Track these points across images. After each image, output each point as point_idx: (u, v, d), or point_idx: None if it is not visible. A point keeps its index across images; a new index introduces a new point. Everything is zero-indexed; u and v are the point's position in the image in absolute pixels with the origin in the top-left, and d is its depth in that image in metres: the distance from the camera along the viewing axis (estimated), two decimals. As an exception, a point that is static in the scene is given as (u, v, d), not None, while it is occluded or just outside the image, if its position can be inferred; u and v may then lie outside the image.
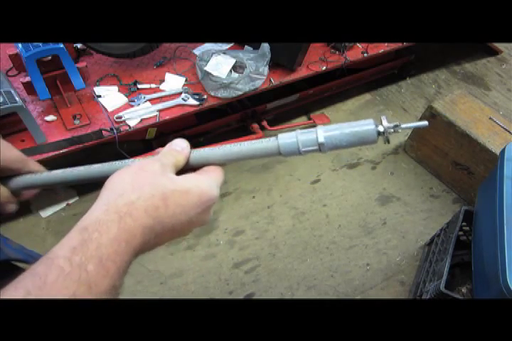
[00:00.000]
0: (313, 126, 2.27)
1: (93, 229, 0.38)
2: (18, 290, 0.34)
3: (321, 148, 0.46)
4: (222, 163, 0.50)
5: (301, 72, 1.92)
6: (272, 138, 0.47)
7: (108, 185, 0.43)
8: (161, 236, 0.42)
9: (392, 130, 0.45)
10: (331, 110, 2.38)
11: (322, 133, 0.45)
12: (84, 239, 0.37)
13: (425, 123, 0.46)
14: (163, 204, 0.41)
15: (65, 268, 0.35)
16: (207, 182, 0.46)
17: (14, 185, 0.54)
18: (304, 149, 0.46)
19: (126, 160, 0.53)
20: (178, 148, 0.48)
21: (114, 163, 0.53)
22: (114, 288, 0.36)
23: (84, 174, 0.54)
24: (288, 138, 0.47)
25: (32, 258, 0.56)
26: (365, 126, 0.45)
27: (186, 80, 1.84)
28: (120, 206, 0.40)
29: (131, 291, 1.65)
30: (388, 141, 0.46)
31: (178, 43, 1.93)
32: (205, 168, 0.49)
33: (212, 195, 0.45)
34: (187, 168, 0.50)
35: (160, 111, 1.72)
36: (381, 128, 0.45)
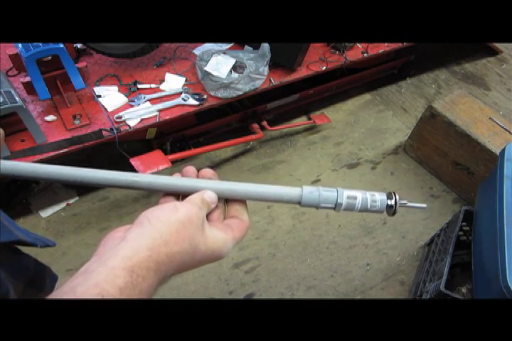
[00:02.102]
0: (314, 126, 2.27)
1: (138, 274, 0.39)
2: None
3: (336, 207, 0.51)
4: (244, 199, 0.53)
5: (301, 72, 1.92)
6: (297, 189, 0.52)
7: (154, 221, 0.44)
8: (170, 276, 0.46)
9: (398, 206, 0.52)
10: (331, 110, 2.38)
11: (344, 195, 0.51)
12: (132, 281, 0.38)
13: (423, 205, 0.55)
14: (189, 261, 0.45)
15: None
16: (229, 245, 0.49)
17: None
18: (322, 205, 0.52)
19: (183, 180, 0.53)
20: (211, 200, 0.51)
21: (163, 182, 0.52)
22: None
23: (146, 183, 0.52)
24: (312, 191, 0.52)
25: (39, 241, 0.56)
26: (379, 196, 0.52)
27: (186, 80, 1.84)
28: (162, 255, 0.42)
29: (131, 291, 1.65)
30: (394, 214, 0.53)
31: (178, 43, 1.93)
32: (233, 223, 0.51)
33: (225, 255, 0.49)
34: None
35: (160, 111, 1.72)
36: (391, 202, 0.52)
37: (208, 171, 0.54)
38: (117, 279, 0.38)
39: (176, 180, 0.52)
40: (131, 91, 1.77)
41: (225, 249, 0.48)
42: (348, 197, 0.51)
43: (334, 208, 0.52)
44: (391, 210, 0.52)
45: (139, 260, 0.40)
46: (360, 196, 0.52)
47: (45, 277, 0.60)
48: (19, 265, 0.53)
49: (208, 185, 0.52)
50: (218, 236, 0.48)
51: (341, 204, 0.51)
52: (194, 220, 0.45)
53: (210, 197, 0.51)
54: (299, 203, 0.53)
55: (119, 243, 0.42)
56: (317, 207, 0.52)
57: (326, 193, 0.52)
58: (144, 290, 0.39)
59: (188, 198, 0.49)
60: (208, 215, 0.49)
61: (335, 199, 0.51)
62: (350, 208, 0.52)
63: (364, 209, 0.52)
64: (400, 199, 0.53)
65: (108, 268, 0.39)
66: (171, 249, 0.42)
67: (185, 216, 0.45)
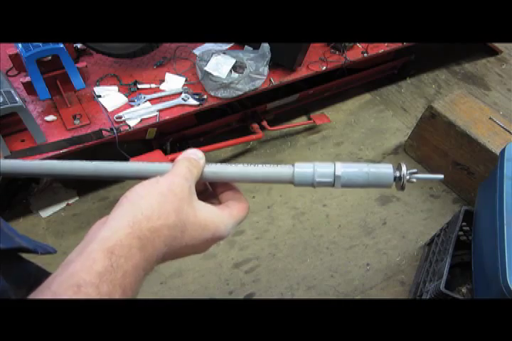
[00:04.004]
0: (314, 126, 2.27)
1: (119, 254, 0.36)
2: None
3: (335, 181, 0.45)
4: (233, 182, 0.49)
5: (301, 72, 1.92)
6: (289, 165, 0.47)
7: (132, 198, 0.41)
8: (167, 258, 0.42)
9: (408, 177, 0.45)
10: (331, 110, 2.38)
11: (341, 167, 0.45)
12: (111, 264, 0.35)
13: (441, 176, 0.47)
14: (180, 235, 0.41)
15: (93, 297, 0.34)
16: (226, 221, 0.45)
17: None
18: (318, 179, 0.46)
19: (155, 164, 0.49)
20: (195, 157, 0.46)
21: (143, 164, 0.49)
22: None
23: (104, 170, 0.51)
24: (305, 167, 0.46)
25: (40, 248, 0.55)
26: (384, 168, 0.46)
27: (186, 80, 1.84)
28: (144, 231, 0.38)
29: (131, 291, 1.65)
30: (403, 188, 0.46)
31: (178, 43, 1.93)
32: (231, 203, 0.48)
33: (225, 234, 0.45)
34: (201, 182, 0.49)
35: (160, 111, 1.72)
36: (398, 174, 0.45)
37: (196, 150, 0.48)
38: (95, 264, 0.35)
39: (150, 164, 0.49)
40: (131, 91, 1.77)
41: (221, 225, 0.44)
42: (347, 170, 0.45)
43: (333, 184, 0.46)
44: (399, 183, 0.46)
45: (119, 238, 0.37)
46: (361, 168, 0.46)
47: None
48: (21, 271, 0.53)
49: None
50: (211, 209, 0.45)
51: (339, 177, 0.45)
52: (177, 191, 0.42)
53: (193, 152, 0.46)
54: (293, 183, 0.47)
55: (99, 226, 0.40)
56: (313, 184, 0.46)
57: (321, 168, 0.46)
58: (129, 271, 0.36)
59: (171, 168, 0.45)
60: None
61: (332, 172, 0.45)
62: (351, 183, 0.46)
63: (368, 184, 0.46)
64: (409, 170, 0.46)
65: (85, 254, 0.36)
66: (155, 223, 0.39)
67: (167, 187, 0.41)
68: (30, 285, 0.53)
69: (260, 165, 0.48)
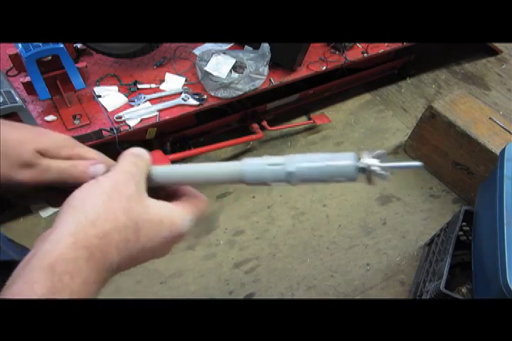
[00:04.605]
0: (314, 126, 2.27)
1: (62, 271, 0.31)
2: None
3: (291, 180, 0.39)
4: (183, 184, 0.46)
5: (301, 72, 1.92)
6: (236, 163, 0.42)
7: (74, 202, 0.36)
8: (123, 267, 0.38)
9: (376, 168, 0.37)
10: (331, 110, 2.38)
11: (296, 162, 0.39)
12: (53, 285, 0.31)
13: (418, 163, 0.39)
14: (134, 237, 0.36)
15: None
16: (180, 215, 0.40)
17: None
18: (269, 177, 0.40)
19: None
20: (139, 151, 0.42)
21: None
22: None
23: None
24: (253, 163, 0.41)
25: None
26: (343, 160, 0.38)
27: (186, 80, 1.84)
28: (91, 238, 0.33)
29: (131, 291, 1.65)
30: (372, 182, 0.38)
31: (178, 43, 1.93)
32: (185, 198, 0.43)
33: (183, 229, 0.40)
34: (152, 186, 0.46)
35: (160, 111, 1.72)
36: (362, 164, 0.37)
37: (134, 148, 0.42)
38: (36, 286, 0.30)
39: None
40: (131, 91, 1.77)
41: (177, 220, 0.39)
42: (301, 166, 0.39)
43: (289, 182, 0.39)
44: (367, 176, 0.38)
45: (60, 251, 0.32)
46: (319, 160, 0.39)
47: None
48: None
49: None
50: (163, 204, 0.40)
51: (293, 173, 0.39)
52: (123, 189, 0.37)
53: (137, 149, 0.42)
54: (244, 181, 0.41)
55: (42, 242, 0.35)
56: (266, 183, 0.41)
57: (271, 167, 0.40)
58: (77, 289, 0.32)
59: (115, 166, 0.41)
60: None
61: (282, 170, 0.39)
62: (308, 178, 0.39)
63: (326, 178, 0.39)
64: (377, 157, 0.37)
65: (25, 276, 0.31)
66: (102, 228, 0.34)
67: (110, 186, 0.37)
68: None
69: (203, 164, 0.43)
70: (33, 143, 0.45)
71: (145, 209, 0.37)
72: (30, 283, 0.31)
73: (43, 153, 0.46)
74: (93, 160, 0.48)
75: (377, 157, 0.38)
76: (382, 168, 0.37)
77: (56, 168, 0.47)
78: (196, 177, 0.43)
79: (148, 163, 0.42)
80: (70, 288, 0.31)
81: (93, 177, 0.47)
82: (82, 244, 0.33)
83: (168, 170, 0.44)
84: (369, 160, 0.37)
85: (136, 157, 0.41)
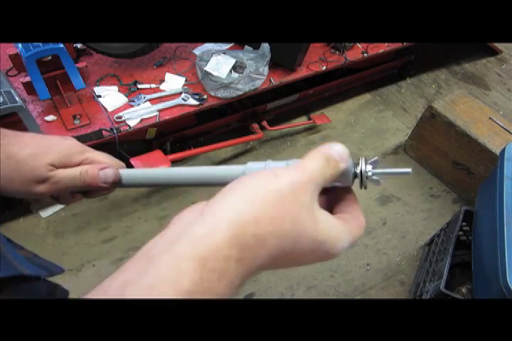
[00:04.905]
0: (314, 126, 2.27)
1: (213, 268, 0.28)
2: None
3: None
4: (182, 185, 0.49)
5: (301, 72, 1.93)
6: (240, 167, 0.42)
7: (241, 190, 0.32)
8: (257, 272, 0.34)
9: (370, 173, 0.39)
10: (331, 110, 2.38)
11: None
12: (202, 282, 0.28)
13: (408, 170, 0.40)
14: (288, 249, 0.32)
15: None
16: (345, 238, 0.35)
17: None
18: None
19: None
20: (338, 157, 0.36)
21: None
22: None
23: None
24: (257, 167, 0.41)
25: (45, 271, 0.52)
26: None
27: (186, 80, 1.84)
28: (248, 237, 0.30)
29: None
30: (365, 187, 0.39)
31: (178, 43, 1.93)
32: (349, 217, 0.38)
33: (339, 254, 0.35)
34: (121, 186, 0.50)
35: (160, 111, 1.72)
36: (358, 170, 0.39)
37: (338, 149, 0.37)
38: (182, 278, 0.28)
39: None
40: (131, 91, 1.77)
41: (339, 243, 0.34)
42: None
43: None
44: (362, 181, 0.39)
45: (216, 243, 0.29)
46: None
47: (56, 295, 0.57)
48: (32, 291, 0.52)
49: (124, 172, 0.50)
50: (334, 222, 0.35)
51: None
52: (299, 193, 0.32)
53: (339, 152, 0.36)
54: None
55: (194, 218, 0.31)
56: None
57: (275, 165, 0.40)
58: (220, 291, 0.29)
59: (300, 162, 0.36)
60: None
61: None
62: None
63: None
64: (370, 164, 0.39)
65: (172, 257, 0.28)
66: (263, 230, 0.30)
67: (288, 186, 0.32)
68: None
69: (206, 168, 0.46)
70: (44, 158, 0.48)
71: (313, 224, 0.33)
72: (177, 271, 0.28)
73: (55, 165, 0.48)
74: (102, 164, 0.50)
75: (371, 164, 0.39)
76: (375, 174, 0.39)
77: (68, 176, 0.49)
78: (194, 180, 0.47)
79: (338, 173, 0.36)
80: (215, 289, 0.29)
81: (104, 182, 0.50)
82: (238, 241, 0.29)
83: (159, 173, 0.49)
84: (364, 167, 0.39)
85: (329, 163, 0.35)
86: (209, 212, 0.31)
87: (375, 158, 0.39)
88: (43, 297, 0.51)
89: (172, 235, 0.31)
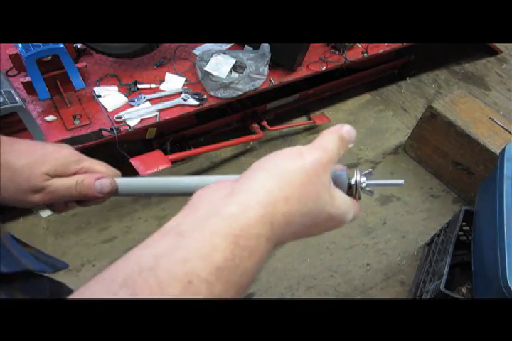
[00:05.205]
0: (314, 126, 2.27)
1: (245, 246, 0.29)
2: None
3: None
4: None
5: (301, 72, 1.92)
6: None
7: (270, 168, 0.33)
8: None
9: (364, 185, 0.41)
10: (331, 110, 2.38)
11: None
12: (233, 258, 0.29)
13: (400, 182, 0.43)
14: (308, 225, 0.35)
15: (202, 297, 0.29)
16: (352, 214, 0.39)
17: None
18: None
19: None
20: (349, 137, 0.39)
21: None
22: None
23: None
24: None
25: (49, 267, 0.52)
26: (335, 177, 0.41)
27: (186, 80, 1.84)
28: (278, 215, 0.31)
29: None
30: (359, 197, 0.42)
31: (178, 43, 1.93)
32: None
33: (344, 224, 0.39)
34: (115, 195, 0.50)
35: (160, 111, 1.72)
36: (352, 181, 0.41)
37: (347, 130, 0.39)
38: (214, 253, 0.28)
39: None
40: (131, 91, 1.77)
41: (348, 216, 0.38)
42: None
43: None
44: (351, 191, 0.41)
45: (248, 222, 0.30)
46: None
47: (60, 294, 0.57)
48: (36, 287, 0.52)
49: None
50: (345, 197, 0.38)
51: None
52: (321, 173, 0.35)
53: (349, 132, 0.38)
54: None
55: (223, 196, 0.32)
56: None
57: None
58: (249, 268, 0.30)
59: (319, 142, 0.37)
60: None
61: None
62: None
63: None
64: (364, 176, 0.41)
65: (205, 234, 0.29)
66: (292, 207, 0.32)
67: (312, 166, 0.34)
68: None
69: (194, 177, 0.48)
70: (40, 167, 0.47)
71: (331, 201, 0.36)
72: (211, 247, 0.29)
73: (50, 174, 0.48)
74: (98, 174, 0.50)
75: (365, 175, 0.41)
76: (369, 185, 0.41)
77: (63, 186, 0.49)
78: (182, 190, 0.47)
79: (347, 148, 0.39)
80: (244, 266, 0.30)
81: (100, 192, 0.49)
82: (269, 219, 0.31)
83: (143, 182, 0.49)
84: (358, 178, 0.41)
85: (343, 143, 0.38)
86: (240, 191, 0.32)
87: (369, 170, 0.42)
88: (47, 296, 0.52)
89: (202, 212, 0.31)
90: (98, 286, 0.29)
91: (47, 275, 0.54)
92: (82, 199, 0.52)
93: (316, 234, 0.39)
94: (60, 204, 0.53)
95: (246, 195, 0.32)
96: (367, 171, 0.41)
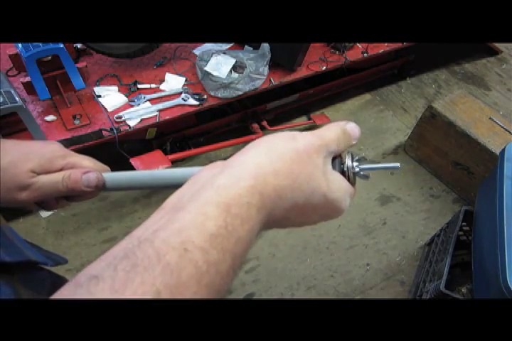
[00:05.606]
0: (314, 126, 2.27)
1: (236, 214, 0.30)
2: (146, 287, 0.28)
3: None
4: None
5: (301, 72, 1.92)
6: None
7: (262, 146, 0.35)
8: (266, 228, 0.36)
9: (357, 169, 0.41)
10: (331, 110, 2.37)
11: None
12: (226, 226, 0.30)
13: (396, 165, 0.42)
14: (302, 204, 0.35)
15: (200, 265, 0.29)
16: (348, 200, 0.39)
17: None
18: None
19: None
20: (353, 133, 0.40)
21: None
22: (226, 291, 0.32)
23: None
24: None
25: (51, 260, 0.52)
26: None
27: (186, 80, 1.84)
28: (268, 187, 0.32)
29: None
30: (353, 184, 0.41)
31: (178, 43, 1.93)
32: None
33: (343, 211, 0.39)
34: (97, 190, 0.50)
35: (160, 111, 1.72)
36: (345, 168, 0.41)
37: (352, 126, 0.40)
38: (207, 222, 0.29)
39: None
40: (131, 91, 1.77)
41: (344, 203, 0.38)
42: None
43: None
44: (350, 177, 0.41)
45: (238, 191, 0.31)
46: None
47: (61, 286, 0.57)
48: (37, 279, 0.52)
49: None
50: (342, 183, 0.39)
51: None
52: (313, 155, 0.36)
53: (353, 129, 0.39)
54: None
55: (217, 172, 0.33)
56: None
57: None
58: (243, 237, 0.30)
59: (318, 130, 0.38)
60: None
61: None
62: None
63: None
64: (356, 161, 0.41)
65: (199, 205, 0.30)
66: (281, 182, 0.33)
67: (303, 147, 0.36)
68: (48, 291, 0.52)
69: (175, 170, 0.48)
70: (25, 165, 0.47)
71: (326, 183, 0.36)
72: (204, 216, 0.30)
73: (36, 171, 0.48)
74: (85, 168, 0.50)
75: (357, 160, 0.41)
76: (363, 170, 0.41)
77: (50, 182, 0.49)
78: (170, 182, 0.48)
79: (348, 146, 0.40)
80: (238, 233, 0.30)
81: (87, 186, 0.49)
82: (259, 190, 0.32)
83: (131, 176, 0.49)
84: (350, 163, 0.40)
85: (345, 135, 0.39)
86: (232, 165, 0.34)
87: (361, 155, 0.42)
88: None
89: (197, 187, 0.33)
90: (101, 264, 0.31)
91: (47, 268, 0.54)
92: (70, 195, 0.52)
93: (312, 222, 0.39)
94: (50, 201, 0.53)
95: (237, 168, 0.33)
96: (359, 156, 0.41)
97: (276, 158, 0.34)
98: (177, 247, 0.29)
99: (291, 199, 0.34)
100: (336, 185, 0.38)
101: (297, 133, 0.37)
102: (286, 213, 0.35)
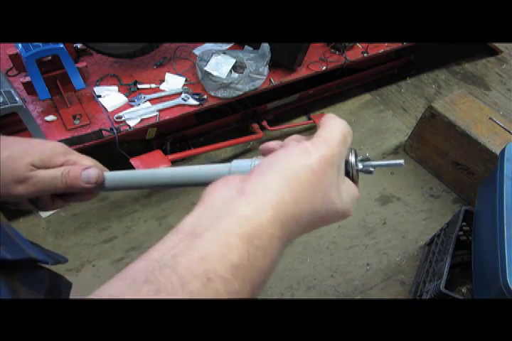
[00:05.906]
0: (314, 126, 2.27)
1: (258, 245, 0.30)
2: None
3: None
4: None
5: (301, 72, 1.92)
6: (226, 165, 0.44)
7: (277, 168, 0.34)
8: None
9: (360, 166, 0.41)
10: (331, 110, 2.37)
11: None
12: (248, 257, 0.30)
13: (400, 161, 0.42)
14: (316, 223, 0.36)
15: (221, 294, 0.29)
16: (353, 205, 0.40)
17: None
18: None
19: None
20: (347, 128, 0.38)
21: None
22: None
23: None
24: (242, 165, 0.42)
25: (51, 258, 0.52)
26: None
27: (186, 80, 1.84)
28: (288, 216, 0.32)
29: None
30: (355, 181, 0.41)
31: (178, 43, 1.93)
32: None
33: (349, 215, 0.40)
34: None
35: (160, 111, 1.72)
36: (348, 166, 0.41)
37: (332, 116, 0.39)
38: (230, 253, 0.29)
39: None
40: (131, 91, 1.77)
41: (352, 208, 0.39)
42: None
43: None
44: (352, 173, 0.41)
45: (261, 222, 0.31)
46: None
47: (60, 285, 0.56)
48: (36, 278, 0.52)
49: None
50: (351, 188, 0.39)
51: None
52: (329, 170, 0.35)
53: (348, 128, 0.38)
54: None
55: (234, 196, 0.33)
56: None
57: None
58: (264, 267, 0.31)
59: (322, 134, 0.37)
60: None
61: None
62: None
63: None
64: (360, 158, 0.41)
65: (220, 234, 0.30)
66: (300, 208, 0.33)
67: (319, 163, 0.34)
68: (46, 290, 0.52)
69: (194, 167, 0.47)
70: (24, 158, 0.47)
71: (338, 199, 0.36)
72: (226, 246, 0.30)
73: (35, 165, 0.48)
74: (84, 165, 0.49)
75: (361, 160, 0.41)
76: (367, 166, 0.41)
77: (48, 177, 0.48)
78: (187, 181, 0.46)
79: (351, 138, 0.39)
80: (259, 264, 0.31)
81: (87, 183, 0.48)
82: (279, 220, 0.32)
83: (154, 174, 0.48)
84: (354, 161, 0.40)
85: (346, 128, 0.38)
86: (252, 193, 0.33)
87: (366, 154, 0.42)
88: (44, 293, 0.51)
89: (215, 213, 0.32)
90: (120, 284, 0.30)
91: (46, 267, 0.54)
92: (69, 192, 0.51)
93: (319, 227, 0.39)
94: (46, 200, 0.52)
95: (257, 197, 0.32)
96: (363, 156, 0.41)
97: (294, 183, 0.33)
98: (200, 276, 0.29)
99: (308, 221, 0.35)
100: (346, 195, 0.38)
101: (310, 146, 0.36)
102: (301, 232, 0.36)
